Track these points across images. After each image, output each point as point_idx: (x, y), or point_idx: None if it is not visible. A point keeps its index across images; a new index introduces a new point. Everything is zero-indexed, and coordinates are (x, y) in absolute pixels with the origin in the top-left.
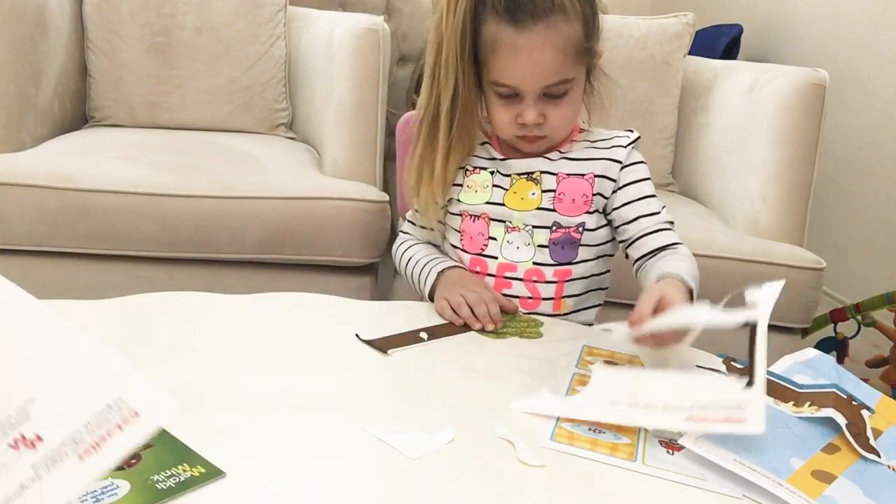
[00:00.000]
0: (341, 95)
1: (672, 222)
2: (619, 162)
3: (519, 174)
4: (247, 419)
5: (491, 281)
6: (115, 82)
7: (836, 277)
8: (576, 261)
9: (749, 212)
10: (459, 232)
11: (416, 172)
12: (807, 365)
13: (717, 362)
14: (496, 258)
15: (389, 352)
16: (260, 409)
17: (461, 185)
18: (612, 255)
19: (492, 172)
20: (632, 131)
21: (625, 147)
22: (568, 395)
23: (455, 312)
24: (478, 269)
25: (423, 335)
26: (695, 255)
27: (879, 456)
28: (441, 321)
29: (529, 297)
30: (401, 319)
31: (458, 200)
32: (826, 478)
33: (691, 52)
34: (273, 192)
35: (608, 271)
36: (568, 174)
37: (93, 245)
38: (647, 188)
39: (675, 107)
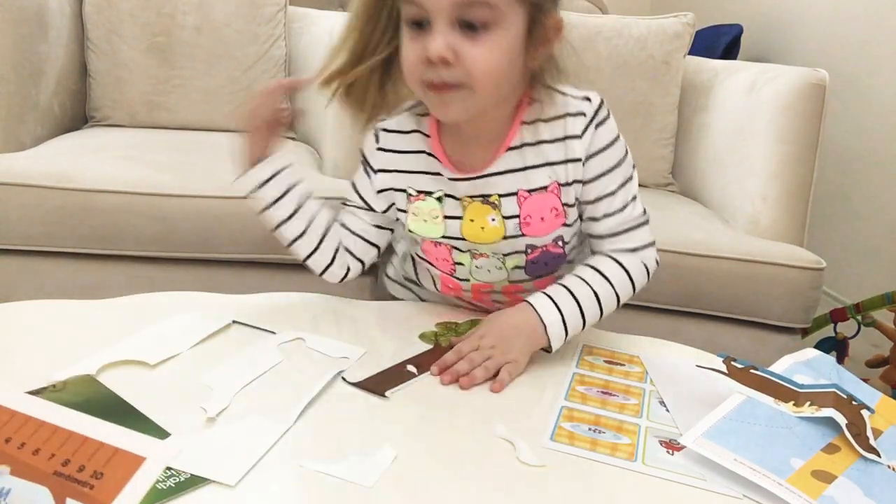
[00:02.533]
0: None
1: (643, 214)
2: (579, 160)
3: (471, 196)
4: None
5: (468, 295)
6: (115, 82)
7: (836, 277)
8: (560, 273)
9: (749, 212)
10: (421, 248)
11: None
12: (807, 365)
13: (718, 362)
14: (468, 280)
15: (387, 394)
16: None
17: (405, 212)
18: None
19: (439, 199)
20: (588, 99)
21: (580, 136)
22: (568, 395)
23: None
24: (450, 286)
25: (412, 368)
26: (695, 255)
27: (879, 456)
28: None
29: (510, 301)
30: (400, 320)
31: (410, 231)
32: (826, 478)
33: (691, 52)
34: None
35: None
36: (529, 191)
37: (93, 245)
38: (615, 180)
39: (675, 107)
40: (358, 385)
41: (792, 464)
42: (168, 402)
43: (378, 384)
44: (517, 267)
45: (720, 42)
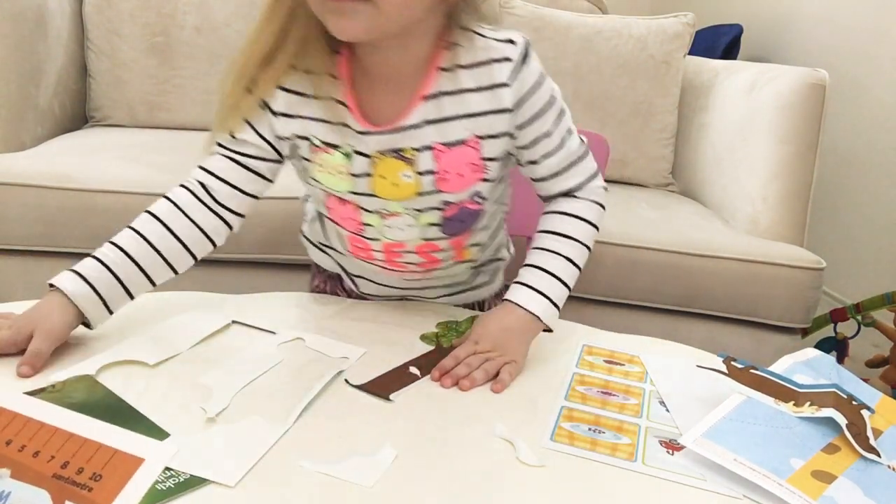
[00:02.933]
0: None
1: (580, 145)
2: (508, 111)
3: (382, 152)
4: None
5: (379, 256)
6: (115, 82)
7: (836, 277)
8: (476, 228)
9: (749, 212)
10: (325, 204)
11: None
12: (807, 365)
13: (718, 362)
14: (378, 240)
15: (391, 397)
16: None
17: (309, 161)
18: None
19: (346, 154)
20: (512, 42)
21: (509, 84)
22: (568, 395)
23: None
24: (359, 246)
25: (415, 370)
26: (695, 255)
27: (879, 456)
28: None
29: (425, 262)
30: (400, 320)
31: (314, 179)
32: (826, 478)
33: (691, 52)
34: (272, 191)
35: (507, 197)
36: (446, 144)
37: (93, 245)
38: (549, 119)
39: (675, 107)
40: (361, 388)
41: (792, 464)
42: (168, 402)
43: (381, 387)
44: (432, 224)
45: (720, 42)
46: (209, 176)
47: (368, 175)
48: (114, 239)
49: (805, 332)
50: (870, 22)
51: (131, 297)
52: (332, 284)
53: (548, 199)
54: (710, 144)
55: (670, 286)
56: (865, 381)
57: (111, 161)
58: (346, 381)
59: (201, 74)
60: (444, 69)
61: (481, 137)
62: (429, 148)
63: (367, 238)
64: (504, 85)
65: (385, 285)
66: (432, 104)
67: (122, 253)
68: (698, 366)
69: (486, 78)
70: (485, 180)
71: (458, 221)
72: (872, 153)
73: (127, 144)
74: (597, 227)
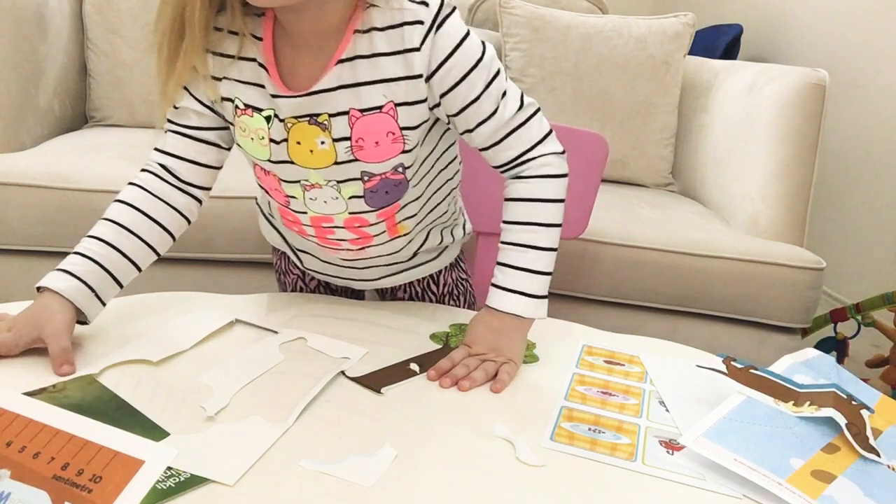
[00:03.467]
0: None
1: (519, 109)
2: (420, 77)
3: (297, 117)
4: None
5: (310, 231)
6: (115, 82)
7: (836, 277)
8: (405, 201)
9: (749, 212)
10: (255, 173)
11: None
12: (807, 365)
13: (718, 362)
14: (305, 213)
15: (383, 391)
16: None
17: (233, 125)
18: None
19: (268, 118)
20: (426, 4)
21: (419, 48)
22: (568, 395)
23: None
24: (290, 218)
25: (414, 367)
26: (695, 255)
27: (879, 456)
28: (432, 346)
29: (358, 238)
30: (402, 319)
31: (238, 145)
32: (826, 478)
33: (691, 52)
34: None
35: (457, 172)
36: (362, 111)
37: None
38: (476, 84)
39: (675, 107)
40: (356, 380)
41: (792, 464)
42: (168, 401)
43: (375, 380)
44: (355, 196)
45: (720, 42)
46: (167, 157)
47: (285, 141)
48: (91, 232)
49: (805, 332)
50: (870, 22)
51: (120, 285)
52: (285, 262)
53: (500, 171)
54: (710, 144)
55: (670, 286)
56: (865, 381)
57: (111, 161)
58: (342, 372)
59: None
60: (360, 31)
61: (398, 104)
62: (344, 113)
63: (295, 211)
64: (415, 50)
65: (327, 262)
66: (348, 68)
67: (102, 243)
68: (698, 366)
69: (399, 42)
70: (405, 152)
71: (382, 193)
72: (872, 153)
73: (127, 144)
74: (560, 200)
